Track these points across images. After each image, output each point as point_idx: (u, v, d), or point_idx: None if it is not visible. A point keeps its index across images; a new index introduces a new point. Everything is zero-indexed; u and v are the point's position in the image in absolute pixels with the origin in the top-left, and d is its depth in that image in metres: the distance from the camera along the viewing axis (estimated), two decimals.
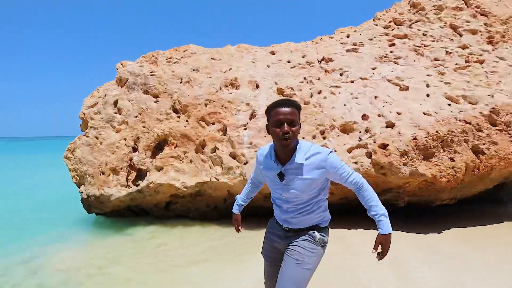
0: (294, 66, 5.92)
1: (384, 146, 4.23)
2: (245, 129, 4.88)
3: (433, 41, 5.92)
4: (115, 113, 5.45)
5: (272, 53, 6.55)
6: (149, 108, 5.28)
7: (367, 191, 1.64)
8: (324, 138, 4.62)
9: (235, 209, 2.04)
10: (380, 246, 1.61)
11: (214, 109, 5.12)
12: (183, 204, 5.31)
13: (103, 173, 4.97)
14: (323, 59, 6.04)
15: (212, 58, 6.12)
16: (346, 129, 4.67)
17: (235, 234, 4.53)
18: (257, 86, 5.57)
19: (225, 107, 5.13)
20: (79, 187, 5.25)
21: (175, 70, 5.66)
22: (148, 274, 3.21)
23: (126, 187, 4.96)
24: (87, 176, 5.05)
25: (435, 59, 5.55)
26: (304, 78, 5.60)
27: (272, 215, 1.90)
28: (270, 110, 1.59)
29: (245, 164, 4.63)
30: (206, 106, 5.17)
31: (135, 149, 5.15)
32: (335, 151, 4.41)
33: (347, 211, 5.05)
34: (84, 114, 5.60)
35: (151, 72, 5.63)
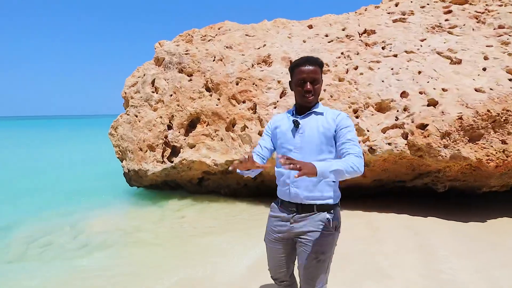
0: (332, 41, 5.58)
1: (423, 126, 3.86)
2: (275, 107, 4.80)
3: (500, 5, 5.08)
4: (153, 92, 5.74)
5: (310, 27, 6.22)
6: (183, 87, 5.45)
7: (348, 157, 1.45)
8: (357, 117, 4.36)
9: (255, 157, 1.69)
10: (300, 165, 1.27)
11: (245, 87, 5.10)
12: (215, 180, 5.53)
13: (141, 149, 5.35)
14: (364, 31, 5.58)
15: (246, 35, 6.03)
16: (382, 107, 4.34)
17: (250, 210, 4.68)
18: (291, 63, 5.38)
19: (256, 85, 5.07)
20: (122, 162, 5.74)
21: (209, 48, 5.70)
22: (166, 239, 3.66)
23: (161, 163, 5.30)
24: (128, 152, 5.49)
25: (500, 27, 4.78)
26: (342, 53, 5.26)
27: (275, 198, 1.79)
28: (294, 68, 1.61)
29: None
30: (237, 84, 5.17)
31: (170, 127, 5.42)
32: (368, 131, 4.15)
33: (379, 195, 4.82)
34: (125, 93, 6.00)
35: (186, 51, 5.75)
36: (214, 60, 5.52)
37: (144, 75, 5.98)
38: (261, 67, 5.37)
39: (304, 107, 1.65)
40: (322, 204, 1.59)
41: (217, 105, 5.18)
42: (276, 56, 5.41)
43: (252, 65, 5.36)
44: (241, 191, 5.47)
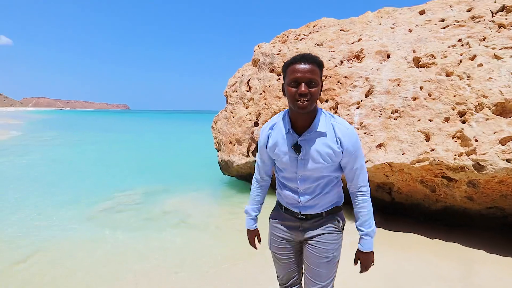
0: (447, 26, 4.51)
1: None
2: (358, 107, 4.33)
3: None
4: (247, 91, 6.21)
5: (422, 12, 5.22)
6: (271, 86, 5.65)
7: (367, 202, 1.51)
8: (463, 122, 3.39)
9: (250, 225, 1.74)
10: (359, 262, 1.53)
11: (329, 86, 4.82)
12: None
13: (230, 143, 5.92)
14: (502, 8, 4.24)
15: (341, 30, 5.65)
16: (504, 110, 3.21)
17: None
18: (388, 56, 4.70)
19: (340, 83, 4.71)
20: (218, 152, 6.52)
21: (300, 47, 5.68)
22: (229, 226, 4.23)
23: (246, 156, 5.70)
24: (222, 144, 6.18)
25: None
26: (459, 41, 4.19)
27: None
28: (287, 66, 1.37)
29: None
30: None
31: (256, 123, 5.74)
32: (476, 140, 3.17)
33: (503, 227, 3.64)
34: (226, 92, 6.74)
35: (279, 51, 5.92)
36: None
37: (242, 75, 6.55)
38: (351, 63, 4.93)
39: (299, 117, 1.40)
40: (330, 209, 1.56)
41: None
42: (370, 50, 4.84)
43: (341, 62, 4.99)
44: None
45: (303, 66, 1.30)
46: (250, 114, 5.86)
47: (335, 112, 4.59)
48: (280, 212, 1.64)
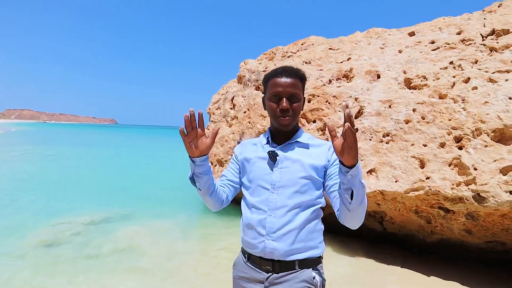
0: (438, 48, 4.38)
1: None
2: None
3: None
4: (230, 108, 5.90)
5: (411, 34, 5.13)
6: (256, 104, 5.36)
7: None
8: (460, 148, 3.14)
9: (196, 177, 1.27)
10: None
11: (317, 105, 4.56)
12: None
13: (212, 163, 5.51)
14: (492, 32, 4.15)
15: (330, 49, 5.49)
16: (503, 136, 2.98)
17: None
18: (378, 77, 4.51)
19: (329, 103, 4.46)
20: None
21: (287, 64, 5.46)
22: (197, 273, 3.37)
23: None
24: None
25: None
26: (450, 63, 4.03)
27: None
28: (267, 79, 1.26)
29: None
30: (309, 101, 4.69)
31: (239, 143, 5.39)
32: (475, 169, 2.90)
33: (502, 263, 3.33)
34: (209, 109, 6.41)
35: (265, 68, 5.69)
36: None
37: (226, 92, 6.26)
38: (340, 82, 4.71)
39: (280, 132, 1.27)
40: (305, 259, 1.21)
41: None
42: (360, 70, 4.64)
43: (330, 81, 4.77)
44: None
45: (284, 80, 1.20)
46: (233, 133, 5.51)
47: (323, 133, 4.30)
48: (242, 264, 1.29)
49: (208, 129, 6.22)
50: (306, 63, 5.28)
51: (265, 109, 1.30)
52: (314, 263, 1.23)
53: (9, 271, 3.16)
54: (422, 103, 3.60)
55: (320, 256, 1.26)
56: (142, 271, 3.22)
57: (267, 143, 1.29)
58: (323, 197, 1.30)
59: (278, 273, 1.19)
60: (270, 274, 1.20)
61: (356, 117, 4.10)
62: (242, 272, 1.28)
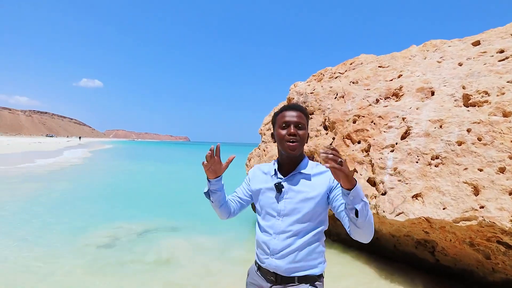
0: (507, 58, 3.92)
1: None
2: (392, 150, 3.87)
3: None
4: None
5: (476, 43, 4.69)
6: None
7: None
8: None
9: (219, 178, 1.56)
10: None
11: (362, 126, 4.47)
12: None
13: None
14: None
15: (379, 66, 5.34)
16: None
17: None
18: (432, 94, 4.22)
19: (374, 123, 4.33)
20: None
21: (333, 85, 5.49)
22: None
23: None
24: None
25: None
26: None
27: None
28: (277, 115, 1.48)
29: (383, 194, 3.69)
30: (354, 122, 4.62)
31: None
32: None
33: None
34: (261, 130, 6.75)
35: (313, 90, 5.81)
36: (336, 98, 5.23)
37: None
38: (387, 101, 4.53)
39: (286, 161, 1.46)
40: (305, 276, 1.39)
41: (330, 144, 4.81)
42: (411, 87, 4.41)
43: (377, 100, 4.63)
44: (354, 242, 4.65)
45: (292, 113, 1.42)
46: None
47: (367, 155, 4.18)
48: (254, 273, 1.53)
49: (259, 149, 6.54)
50: (353, 83, 5.23)
51: (274, 141, 1.52)
52: (312, 279, 1.39)
53: (62, 268, 3.78)
54: (479, 123, 3.25)
55: (319, 274, 1.42)
56: (177, 286, 3.44)
57: (274, 174, 1.48)
58: (326, 221, 1.46)
59: (280, 284, 1.40)
60: (272, 284, 1.41)
61: (402, 138, 3.90)
62: (252, 279, 1.51)
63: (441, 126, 3.57)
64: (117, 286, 3.40)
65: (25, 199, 7.59)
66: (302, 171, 1.43)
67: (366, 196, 3.93)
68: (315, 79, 6.33)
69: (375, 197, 3.77)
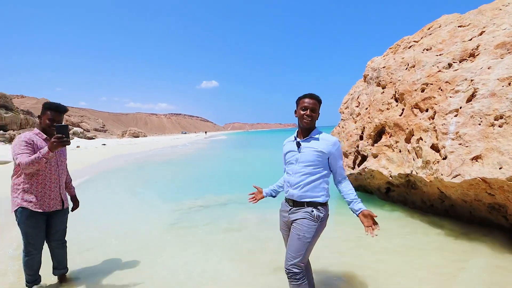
0: None
1: None
2: (456, 115, 3.83)
3: None
4: (356, 106, 6.43)
5: None
6: (375, 100, 5.67)
7: (349, 184, 2.20)
8: None
9: (265, 191, 2.51)
10: (363, 224, 2.04)
11: (430, 94, 4.44)
12: (399, 193, 5.20)
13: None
14: None
15: (459, 26, 4.95)
16: None
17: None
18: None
19: (441, 90, 4.26)
20: None
21: (406, 56, 5.42)
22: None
23: (352, 168, 5.91)
24: None
25: None
26: None
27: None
28: (299, 100, 2.22)
29: (444, 159, 3.77)
30: (422, 91, 4.61)
31: (361, 137, 5.87)
32: None
33: None
34: (340, 109, 7.16)
35: (385, 65, 5.85)
36: (406, 68, 5.20)
37: (354, 92, 6.81)
38: (461, 64, 4.31)
39: (304, 129, 2.20)
40: (311, 201, 2.12)
41: (400, 115, 4.94)
42: (489, 45, 4.09)
43: (449, 65, 4.45)
44: (429, 209, 4.72)
45: (309, 100, 2.16)
46: (356, 128, 6.07)
47: (432, 122, 4.20)
48: (283, 203, 2.36)
49: (339, 126, 7.01)
50: (426, 50, 5.07)
51: (296, 116, 2.23)
52: (316, 204, 2.11)
53: (146, 225, 4.70)
54: None
55: (322, 202, 2.13)
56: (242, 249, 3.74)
57: (294, 139, 2.25)
58: (328, 167, 2.21)
59: (294, 207, 2.21)
60: (291, 207, 2.24)
61: (468, 101, 3.80)
62: (282, 207, 2.36)
63: (509, 84, 3.36)
64: (187, 243, 3.93)
65: (148, 176, 10.53)
66: (313, 136, 2.17)
67: (428, 162, 4.03)
68: (391, 52, 6.25)
69: (437, 162, 3.88)
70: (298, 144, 2.19)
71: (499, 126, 3.26)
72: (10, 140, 31.78)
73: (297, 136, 2.25)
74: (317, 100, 2.17)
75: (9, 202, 3.01)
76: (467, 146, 3.49)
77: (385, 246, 3.62)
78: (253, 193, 2.53)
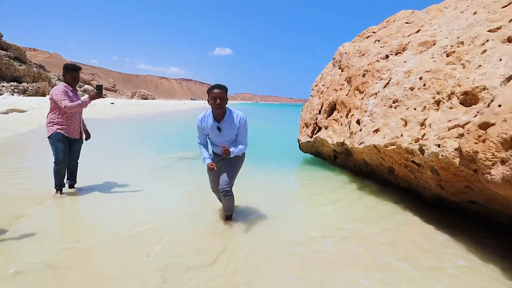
0: (510, 4, 4.10)
1: (485, 126, 2.66)
2: (374, 97, 4.86)
3: None
4: (322, 85, 7.42)
5: None
6: (334, 81, 6.66)
7: (240, 148, 3.18)
8: (436, 110, 3.56)
9: (208, 160, 3.18)
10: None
11: (366, 79, 5.43)
12: (342, 159, 6.36)
13: (303, 126, 7.41)
14: None
15: (406, 23, 5.79)
16: (467, 99, 3.21)
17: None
18: (433, 45, 4.75)
19: (373, 76, 5.25)
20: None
21: (361, 45, 6.31)
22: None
23: (310, 137, 7.05)
24: (300, 127, 7.77)
25: None
26: (510, 21, 3.85)
27: None
28: (209, 90, 2.96)
29: (360, 131, 4.87)
30: (363, 76, 5.58)
31: (319, 112, 6.94)
32: (430, 127, 3.42)
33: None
34: (312, 86, 8.14)
35: (346, 51, 6.73)
36: (359, 56, 6.12)
37: (324, 72, 7.75)
38: (393, 56, 5.25)
39: (217, 114, 3.05)
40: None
41: (346, 95, 5.96)
42: (416, 42, 5.00)
43: (386, 56, 5.39)
44: (359, 173, 5.91)
45: (217, 91, 2.92)
46: (318, 104, 7.11)
47: (362, 101, 5.24)
48: (214, 157, 3.51)
49: (308, 101, 8.03)
50: (377, 41, 5.96)
51: (209, 104, 2.98)
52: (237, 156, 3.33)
53: (136, 172, 6.79)
54: (429, 71, 3.97)
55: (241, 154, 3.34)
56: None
57: (214, 121, 3.10)
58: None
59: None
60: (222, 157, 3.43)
61: (384, 87, 4.80)
62: (215, 156, 3.49)
63: (408, 76, 4.36)
64: (164, 182, 5.16)
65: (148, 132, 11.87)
66: (226, 118, 3.05)
67: (352, 133, 5.14)
68: (359, 39, 7.09)
69: (356, 133, 4.98)
70: (219, 128, 3.09)
71: (394, 108, 4.32)
72: (23, 91, 31.25)
73: (214, 118, 3.08)
74: (224, 90, 2.91)
75: (26, 141, 4.31)
76: (373, 122, 4.57)
77: (321, 201, 4.87)
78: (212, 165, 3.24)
